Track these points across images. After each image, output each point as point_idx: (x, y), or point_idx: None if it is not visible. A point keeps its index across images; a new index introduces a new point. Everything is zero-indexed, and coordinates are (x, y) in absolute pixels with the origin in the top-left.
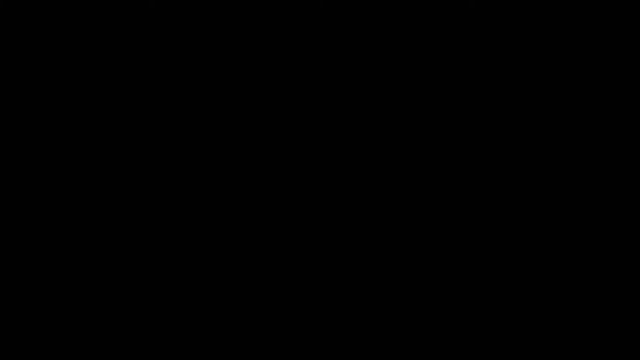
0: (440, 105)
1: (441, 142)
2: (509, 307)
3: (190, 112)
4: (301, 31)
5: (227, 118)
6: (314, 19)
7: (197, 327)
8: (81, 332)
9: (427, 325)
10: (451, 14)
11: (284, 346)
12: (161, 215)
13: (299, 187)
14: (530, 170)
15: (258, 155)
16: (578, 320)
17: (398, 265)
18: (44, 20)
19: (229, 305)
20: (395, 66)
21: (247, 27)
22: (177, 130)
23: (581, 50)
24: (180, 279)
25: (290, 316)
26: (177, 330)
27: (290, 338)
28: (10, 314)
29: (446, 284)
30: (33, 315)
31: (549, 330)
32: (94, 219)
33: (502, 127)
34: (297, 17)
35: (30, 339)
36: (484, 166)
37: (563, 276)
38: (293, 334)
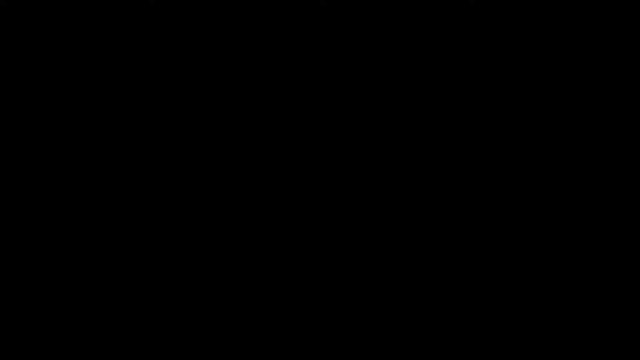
0: (440, 105)
1: (441, 141)
2: (509, 307)
3: (190, 112)
4: (301, 31)
5: (227, 118)
6: (314, 19)
7: (197, 327)
8: (81, 332)
9: (427, 325)
10: (451, 14)
11: (284, 346)
12: (161, 214)
13: (298, 186)
14: (530, 170)
15: (258, 155)
16: (578, 320)
17: (398, 265)
18: (44, 20)
19: (229, 305)
20: (395, 66)
21: (247, 27)
22: (176, 130)
23: (581, 50)
24: (180, 278)
25: (290, 316)
26: (177, 330)
27: (290, 338)
28: (10, 314)
29: (446, 283)
30: (33, 315)
31: (549, 330)
32: (93, 219)
33: (502, 127)
34: (297, 17)
35: (30, 339)
36: (483, 166)
37: (563, 276)
38: (293, 334)
